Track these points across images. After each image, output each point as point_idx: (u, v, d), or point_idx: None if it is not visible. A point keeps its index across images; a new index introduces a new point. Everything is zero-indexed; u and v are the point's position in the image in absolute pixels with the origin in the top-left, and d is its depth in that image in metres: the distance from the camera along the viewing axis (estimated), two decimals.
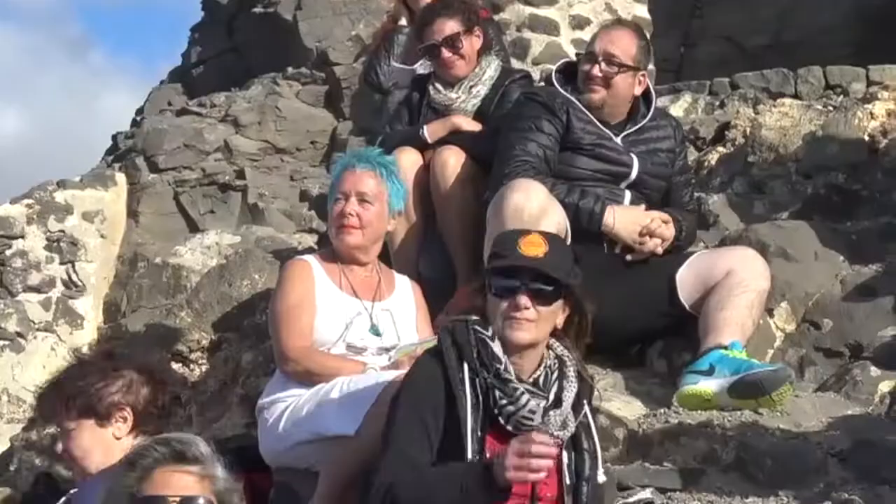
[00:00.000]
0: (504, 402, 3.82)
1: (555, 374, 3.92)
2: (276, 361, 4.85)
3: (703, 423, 4.65)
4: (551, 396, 3.87)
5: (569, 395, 3.89)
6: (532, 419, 3.82)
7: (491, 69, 5.94)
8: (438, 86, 5.93)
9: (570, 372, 3.93)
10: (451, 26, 5.85)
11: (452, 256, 5.65)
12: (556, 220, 4.96)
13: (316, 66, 15.92)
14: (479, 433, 3.79)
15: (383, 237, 5.06)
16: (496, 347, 3.85)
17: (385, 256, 5.22)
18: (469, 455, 3.76)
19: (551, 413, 3.84)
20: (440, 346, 3.92)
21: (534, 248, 3.87)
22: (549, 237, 3.99)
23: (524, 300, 3.84)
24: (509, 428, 3.82)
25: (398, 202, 5.04)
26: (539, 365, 3.92)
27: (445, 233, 5.70)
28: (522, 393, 3.82)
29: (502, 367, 3.83)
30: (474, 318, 3.92)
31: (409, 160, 5.71)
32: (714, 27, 16.29)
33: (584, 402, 3.95)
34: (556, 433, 3.81)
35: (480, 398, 3.81)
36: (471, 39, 5.89)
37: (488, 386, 3.82)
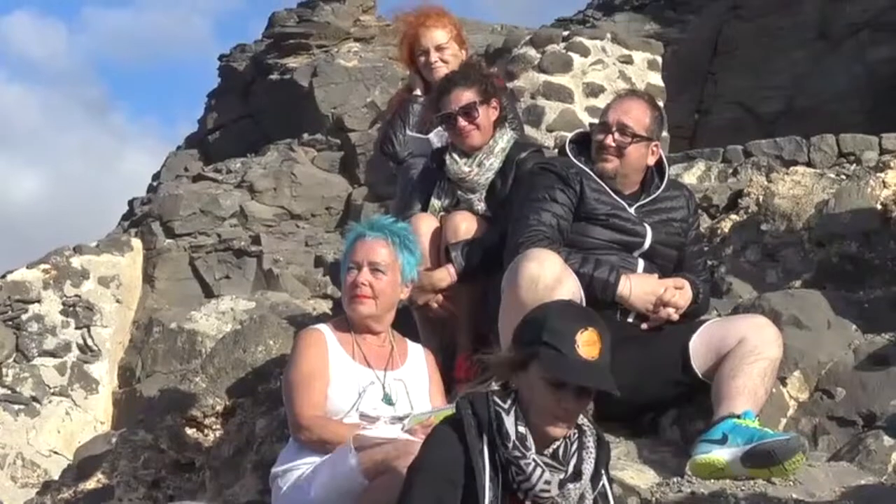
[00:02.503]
0: (520, 477, 3.80)
1: (574, 445, 3.89)
2: (290, 430, 4.85)
3: (716, 493, 4.63)
4: (570, 469, 3.85)
5: (588, 468, 3.88)
6: (549, 491, 3.80)
7: (503, 141, 5.95)
8: (455, 156, 5.94)
9: (590, 442, 3.92)
10: (467, 96, 5.88)
11: (457, 322, 5.67)
12: (570, 289, 4.95)
13: (331, 132, 16.05)
14: None
15: (396, 306, 5.08)
16: (509, 423, 3.82)
17: (397, 325, 5.22)
18: None
19: (570, 486, 3.82)
20: (458, 415, 3.91)
21: (591, 348, 3.82)
22: (601, 332, 3.89)
23: (573, 405, 3.82)
24: (528, 503, 3.81)
25: (411, 270, 5.06)
26: None
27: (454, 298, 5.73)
28: (536, 467, 3.80)
29: (510, 445, 3.80)
30: (494, 387, 3.91)
31: (427, 225, 5.76)
32: (727, 93, 16.39)
33: (602, 471, 3.94)
34: None
35: (500, 471, 3.79)
36: (487, 110, 5.91)
37: (507, 459, 3.80)
